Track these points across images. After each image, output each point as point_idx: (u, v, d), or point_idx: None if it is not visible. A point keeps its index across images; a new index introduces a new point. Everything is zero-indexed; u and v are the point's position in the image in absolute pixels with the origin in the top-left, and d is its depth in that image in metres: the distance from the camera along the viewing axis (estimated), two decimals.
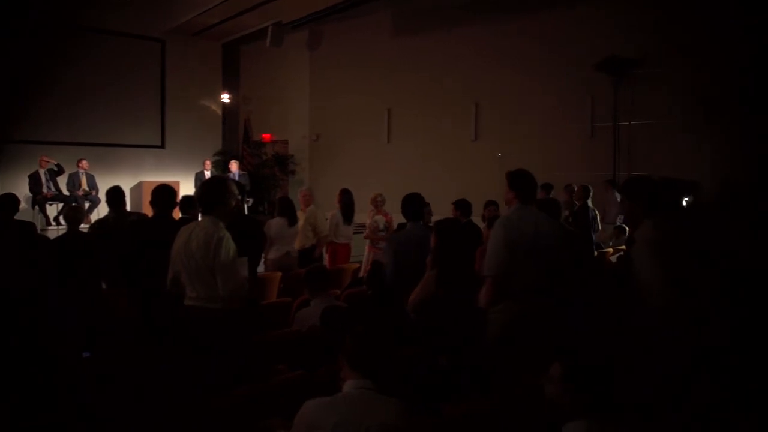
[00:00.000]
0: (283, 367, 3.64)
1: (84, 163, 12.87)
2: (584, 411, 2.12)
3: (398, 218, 6.86)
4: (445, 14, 13.31)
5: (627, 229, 8.01)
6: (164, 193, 4.61)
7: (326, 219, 7.78)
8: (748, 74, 9.63)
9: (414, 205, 4.77)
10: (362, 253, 7.90)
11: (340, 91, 15.43)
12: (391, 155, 14.31)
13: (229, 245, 3.51)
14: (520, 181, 3.75)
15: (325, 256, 7.87)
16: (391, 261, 4.42)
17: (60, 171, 12.66)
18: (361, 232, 8.05)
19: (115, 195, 5.75)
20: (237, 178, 12.46)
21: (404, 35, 14.29)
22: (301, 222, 7.32)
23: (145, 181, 14.04)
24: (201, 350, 3.40)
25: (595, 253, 7.75)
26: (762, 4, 9.29)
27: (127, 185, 14.07)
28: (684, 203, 5.84)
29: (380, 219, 7.58)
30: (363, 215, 8.16)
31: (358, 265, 7.38)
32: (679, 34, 10.23)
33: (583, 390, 2.12)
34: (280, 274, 6.35)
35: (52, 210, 12.49)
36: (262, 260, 6.61)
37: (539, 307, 3.52)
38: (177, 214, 7.72)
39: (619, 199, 9.65)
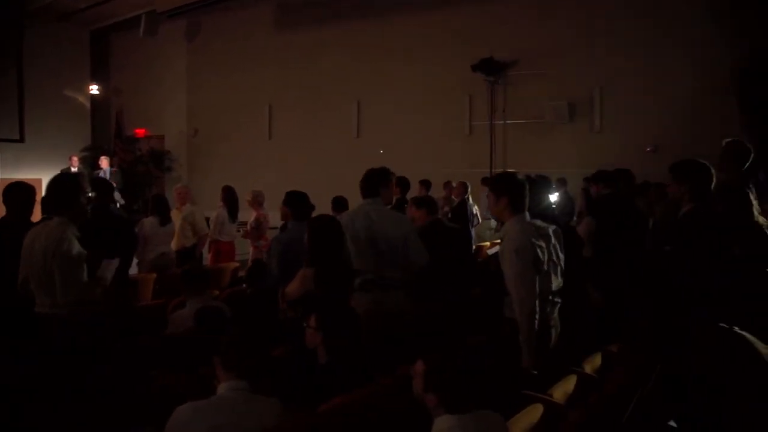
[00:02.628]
0: (157, 371, 3.46)
1: None
2: (446, 408, 2.14)
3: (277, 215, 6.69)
4: (328, 10, 13.28)
5: None
6: (19, 192, 4.12)
7: (207, 217, 7.51)
8: (612, 75, 10.47)
9: (303, 205, 4.69)
10: (247, 251, 7.71)
11: (219, 85, 14.95)
12: (273, 152, 14.09)
13: (72, 248, 3.27)
14: (363, 179, 4.13)
15: (208, 255, 7.60)
16: (275, 262, 4.32)
17: None
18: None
19: None
20: (108, 175, 11.73)
21: (286, 29, 14.09)
22: (178, 221, 7.01)
23: (0, 179, 12.83)
24: (55, 359, 3.17)
25: (474, 247, 8.06)
26: (629, 9, 10.14)
27: None
28: (553, 198, 6.17)
29: (252, 217, 7.41)
30: (245, 213, 7.97)
31: (238, 263, 7.19)
32: (549, 38, 10.90)
33: (444, 388, 2.14)
34: (154, 275, 6.05)
35: None
36: (136, 261, 6.26)
37: (388, 298, 3.70)
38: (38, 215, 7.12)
39: (486, 195, 10.13)
